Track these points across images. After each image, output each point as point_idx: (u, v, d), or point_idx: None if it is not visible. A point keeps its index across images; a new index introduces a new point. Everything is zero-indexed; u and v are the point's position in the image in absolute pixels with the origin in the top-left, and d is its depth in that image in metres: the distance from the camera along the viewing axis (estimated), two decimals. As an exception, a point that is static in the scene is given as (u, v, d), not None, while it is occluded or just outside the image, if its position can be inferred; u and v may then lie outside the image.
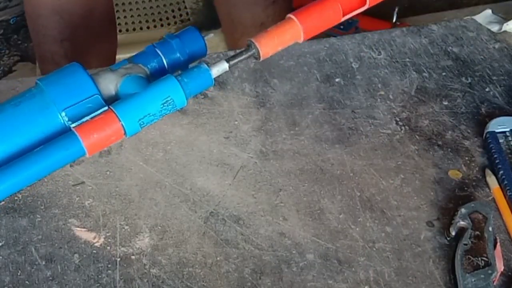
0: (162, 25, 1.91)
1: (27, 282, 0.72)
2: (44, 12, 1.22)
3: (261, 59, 0.70)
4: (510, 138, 0.85)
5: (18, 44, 1.99)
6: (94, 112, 0.69)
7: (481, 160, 0.85)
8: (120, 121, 0.69)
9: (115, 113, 0.69)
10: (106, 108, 0.70)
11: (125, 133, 0.70)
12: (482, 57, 0.98)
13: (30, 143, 0.70)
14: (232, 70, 0.92)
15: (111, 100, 0.71)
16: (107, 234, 0.76)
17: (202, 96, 0.91)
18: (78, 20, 1.21)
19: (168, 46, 0.76)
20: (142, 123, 0.70)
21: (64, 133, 0.69)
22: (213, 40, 1.91)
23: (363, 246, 0.76)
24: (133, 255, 0.74)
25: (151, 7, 1.95)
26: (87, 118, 0.69)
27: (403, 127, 0.88)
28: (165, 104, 0.71)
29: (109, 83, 0.72)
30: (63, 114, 0.69)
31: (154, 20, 1.92)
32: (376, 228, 0.78)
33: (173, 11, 1.93)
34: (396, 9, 1.87)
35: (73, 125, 0.69)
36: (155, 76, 0.74)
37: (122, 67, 0.74)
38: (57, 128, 0.70)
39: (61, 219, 0.77)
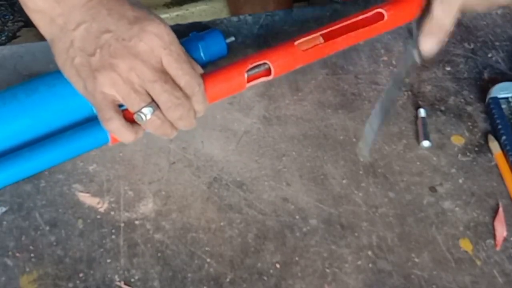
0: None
1: (31, 247, 0.72)
2: None
3: None
4: (513, 104, 0.85)
5: (22, 10, 1.98)
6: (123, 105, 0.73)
7: (483, 126, 0.85)
8: None
9: None
10: None
11: None
12: (484, 22, 0.97)
13: (59, 125, 0.75)
14: (236, 35, 0.91)
15: None
16: (111, 200, 0.76)
17: (205, 62, 0.90)
18: None
19: (194, 46, 0.81)
20: None
21: (90, 120, 0.74)
22: (217, 5, 1.90)
23: (366, 211, 0.76)
24: (136, 220, 0.75)
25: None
26: None
27: (406, 93, 0.88)
28: None
29: None
30: None
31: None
32: (379, 194, 0.78)
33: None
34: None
35: None
36: None
37: None
38: (86, 114, 0.75)
39: (65, 185, 0.77)
